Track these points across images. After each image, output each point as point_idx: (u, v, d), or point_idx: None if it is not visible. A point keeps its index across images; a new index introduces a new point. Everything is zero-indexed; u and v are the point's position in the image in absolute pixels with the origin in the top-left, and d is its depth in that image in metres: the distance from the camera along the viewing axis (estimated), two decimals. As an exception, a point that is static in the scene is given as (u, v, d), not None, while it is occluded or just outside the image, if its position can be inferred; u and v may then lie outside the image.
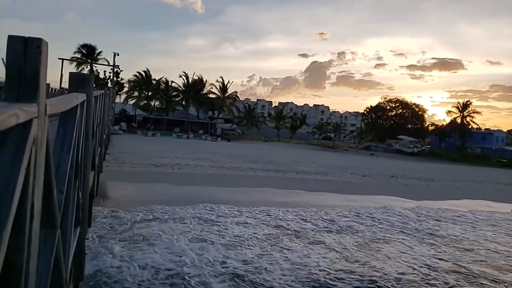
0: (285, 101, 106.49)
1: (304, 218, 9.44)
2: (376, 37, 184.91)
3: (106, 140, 15.19)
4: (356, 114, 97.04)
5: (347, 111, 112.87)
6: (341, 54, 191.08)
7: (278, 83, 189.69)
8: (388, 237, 8.42)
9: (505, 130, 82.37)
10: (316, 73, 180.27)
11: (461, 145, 63.80)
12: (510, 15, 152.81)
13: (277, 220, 8.97)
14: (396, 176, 23.84)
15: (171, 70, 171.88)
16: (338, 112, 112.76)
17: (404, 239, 8.42)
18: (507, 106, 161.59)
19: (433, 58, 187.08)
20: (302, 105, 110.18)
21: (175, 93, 55.82)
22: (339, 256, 6.68)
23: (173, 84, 55.27)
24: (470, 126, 67.33)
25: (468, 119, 67.34)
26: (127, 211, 8.31)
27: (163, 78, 54.93)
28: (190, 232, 7.32)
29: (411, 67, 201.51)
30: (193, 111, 57.79)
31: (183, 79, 55.61)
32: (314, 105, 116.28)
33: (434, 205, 13.38)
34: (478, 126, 69.52)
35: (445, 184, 22.39)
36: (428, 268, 6.57)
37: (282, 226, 8.43)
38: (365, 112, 76.69)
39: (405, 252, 7.42)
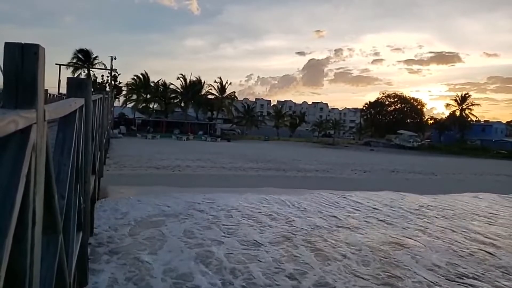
0: (283, 100, 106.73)
1: (309, 216, 9.43)
2: (373, 33, 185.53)
3: (106, 144, 15.18)
4: (355, 110, 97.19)
5: (346, 108, 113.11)
6: (338, 51, 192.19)
7: (276, 82, 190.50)
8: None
9: (504, 122, 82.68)
10: (314, 71, 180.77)
11: (460, 137, 63.85)
12: (507, 8, 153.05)
13: (283, 220, 8.92)
14: (397, 171, 23.83)
15: (169, 71, 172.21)
16: (337, 108, 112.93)
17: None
18: (506, 97, 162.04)
19: (430, 52, 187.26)
20: (300, 103, 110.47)
21: (174, 95, 55.83)
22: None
23: (171, 86, 55.34)
24: (469, 119, 67.39)
25: (467, 111, 67.47)
26: (127, 214, 8.27)
27: (161, 80, 55.01)
28: (194, 236, 7.07)
29: (408, 61, 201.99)
30: (192, 112, 57.82)
31: (181, 80, 55.67)
32: (312, 102, 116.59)
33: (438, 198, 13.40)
34: (477, 118, 69.63)
35: (446, 178, 22.38)
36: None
37: (289, 231, 8.13)
38: (364, 108, 76.68)
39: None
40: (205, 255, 6.15)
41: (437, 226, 9.35)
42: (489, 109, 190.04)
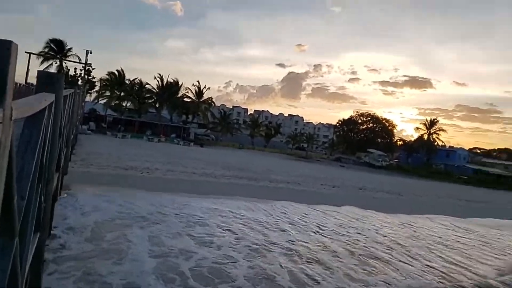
0: (261, 109, 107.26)
1: (281, 229, 9.42)
2: (352, 52, 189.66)
3: (73, 140, 14.70)
4: (329, 126, 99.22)
5: (320, 123, 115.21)
6: (317, 67, 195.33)
7: (254, 91, 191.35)
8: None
9: (467, 148, 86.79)
10: (292, 84, 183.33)
11: (427, 161, 66.33)
12: (478, 39, 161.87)
13: (255, 231, 8.84)
14: (365, 188, 24.39)
15: (147, 71, 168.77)
16: (312, 123, 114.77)
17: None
18: (470, 125, 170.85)
19: (404, 76, 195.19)
20: (277, 114, 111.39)
21: (149, 95, 54.97)
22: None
23: (147, 86, 54.50)
24: (435, 143, 70.16)
25: (434, 136, 70.27)
26: (90, 215, 7.95)
27: (138, 79, 54.06)
28: (161, 244, 6.70)
29: (383, 83, 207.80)
30: (166, 114, 57.05)
31: (158, 81, 54.97)
32: (289, 114, 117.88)
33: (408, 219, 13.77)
34: (443, 143, 72.63)
35: (411, 199, 23.12)
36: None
37: (261, 244, 7.94)
38: (338, 124, 78.62)
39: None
40: (169, 269, 5.62)
41: (400, 245, 9.59)
42: (454, 135, 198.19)
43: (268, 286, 5.49)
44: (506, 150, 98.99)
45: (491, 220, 17.35)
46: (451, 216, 16.61)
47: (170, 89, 54.70)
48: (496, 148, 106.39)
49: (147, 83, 54.51)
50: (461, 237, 12.40)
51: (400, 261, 8.16)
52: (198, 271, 5.71)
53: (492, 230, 14.63)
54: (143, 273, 5.27)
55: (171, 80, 55.81)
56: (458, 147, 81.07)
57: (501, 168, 69.45)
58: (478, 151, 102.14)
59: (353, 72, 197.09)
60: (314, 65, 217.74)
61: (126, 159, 20.22)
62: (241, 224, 9.20)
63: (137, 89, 53.39)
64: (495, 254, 10.45)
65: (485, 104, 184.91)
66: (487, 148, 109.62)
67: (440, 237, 11.66)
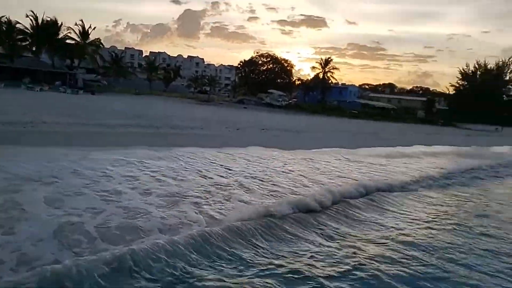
0: (157, 51, 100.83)
1: (188, 176, 9.24)
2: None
3: None
4: (231, 67, 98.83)
5: (221, 64, 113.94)
6: (215, 4, 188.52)
7: (148, 30, 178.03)
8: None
9: (357, 85, 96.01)
10: (189, 22, 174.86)
11: (322, 98, 71.45)
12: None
13: (163, 181, 8.47)
14: (267, 128, 25.38)
15: (13, 7, 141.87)
16: (213, 65, 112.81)
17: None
18: (360, 63, 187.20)
19: (301, 15, 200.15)
20: (175, 56, 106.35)
21: (21, 36, 47.05)
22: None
23: (18, 26, 46.37)
24: (330, 81, 75.49)
25: (328, 74, 75.30)
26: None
27: (4, 17, 45.44)
28: (61, 205, 5.95)
29: (281, 22, 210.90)
30: (46, 59, 49.92)
31: (31, 19, 47.08)
32: (188, 56, 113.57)
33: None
34: (336, 81, 78.62)
35: (309, 135, 24.89)
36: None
37: (172, 193, 7.60)
38: (239, 66, 78.66)
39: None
40: (73, 231, 5.00)
41: (303, 177, 10.33)
42: (346, 72, 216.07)
43: (184, 234, 5.34)
44: (389, 85, 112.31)
45: (375, 149, 19.69)
46: (343, 148, 18.37)
47: (47, 29, 47.48)
48: (381, 83, 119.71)
49: (18, 22, 46.37)
50: (352, 166, 13.91)
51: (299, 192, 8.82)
52: (106, 229, 5.25)
53: (377, 158, 16.64)
54: (42, 240, 4.65)
55: (48, 19, 48.36)
56: (350, 84, 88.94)
57: (385, 101, 78.92)
58: (367, 87, 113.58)
59: (252, 11, 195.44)
60: (212, 3, 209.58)
61: (1, 112, 17.41)
62: (149, 174, 8.75)
63: (6, 30, 45.11)
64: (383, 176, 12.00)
65: (373, 42, 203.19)
66: (374, 84, 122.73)
67: (335, 168, 12.91)
